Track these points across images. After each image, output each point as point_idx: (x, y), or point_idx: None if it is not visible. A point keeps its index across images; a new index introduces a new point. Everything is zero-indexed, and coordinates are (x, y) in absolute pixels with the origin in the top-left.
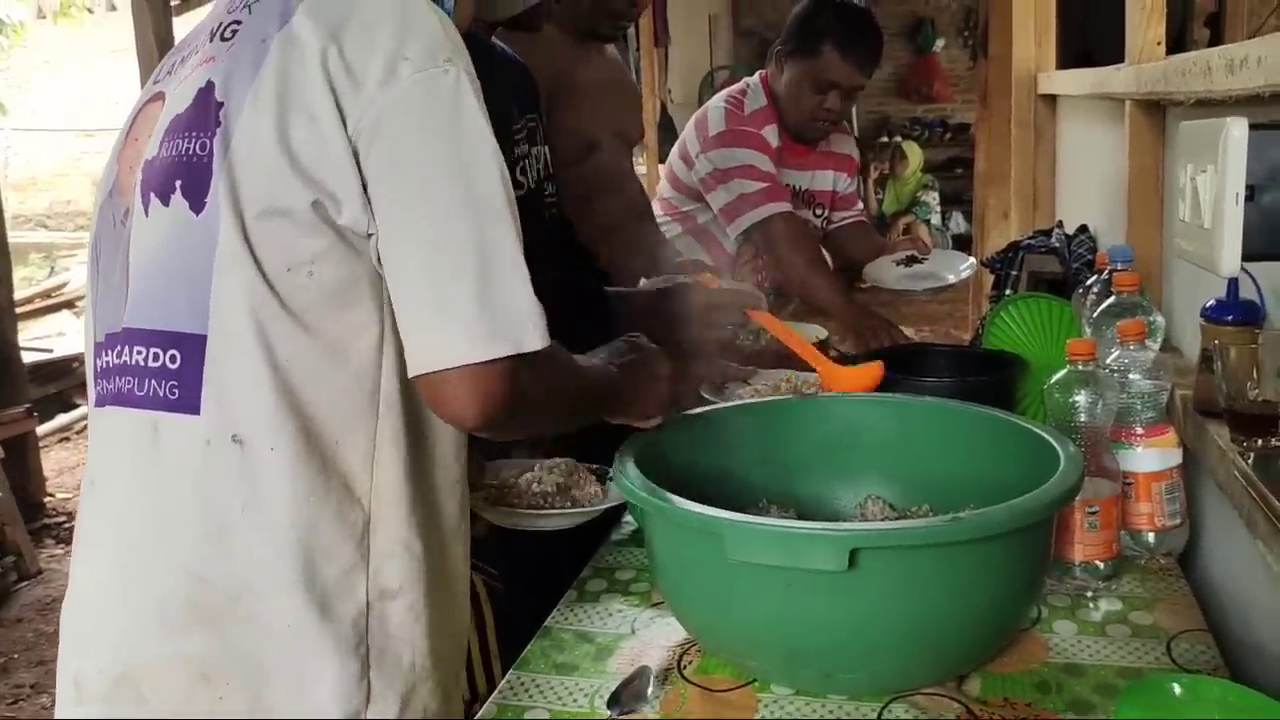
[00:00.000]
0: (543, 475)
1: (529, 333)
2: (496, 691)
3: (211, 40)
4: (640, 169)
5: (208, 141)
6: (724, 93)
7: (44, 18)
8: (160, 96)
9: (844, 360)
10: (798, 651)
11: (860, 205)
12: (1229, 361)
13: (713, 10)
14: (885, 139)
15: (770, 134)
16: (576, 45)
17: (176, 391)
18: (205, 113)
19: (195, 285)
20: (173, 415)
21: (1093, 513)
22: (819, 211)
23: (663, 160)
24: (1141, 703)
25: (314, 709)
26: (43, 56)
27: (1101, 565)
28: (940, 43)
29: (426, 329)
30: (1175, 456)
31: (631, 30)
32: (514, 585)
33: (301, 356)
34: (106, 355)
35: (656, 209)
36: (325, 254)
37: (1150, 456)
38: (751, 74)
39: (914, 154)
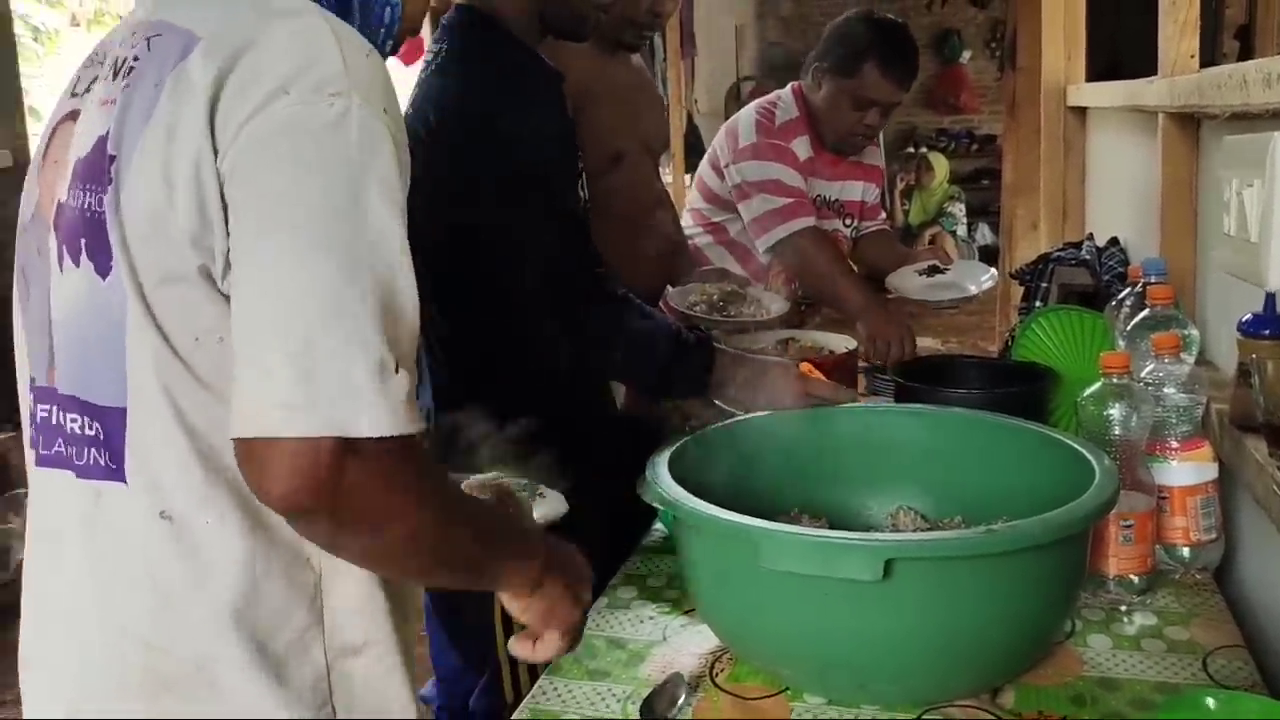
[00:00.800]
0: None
1: (358, 415)
2: (529, 697)
3: (115, 76)
4: (666, 178)
5: (102, 198)
6: (755, 103)
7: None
8: (75, 115)
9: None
10: (831, 661)
11: (884, 215)
12: (1267, 376)
13: (739, 21)
14: (911, 150)
15: (801, 146)
16: (599, 54)
17: (114, 464)
18: (100, 166)
19: (110, 358)
20: (113, 485)
21: (1127, 526)
22: (848, 222)
23: (689, 170)
24: (1179, 718)
25: None
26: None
27: (1136, 579)
28: (967, 54)
29: (240, 388)
30: (1211, 470)
31: (658, 40)
32: None
33: (221, 427)
34: (42, 409)
35: (687, 220)
36: (225, 324)
37: (1185, 470)
38: (778, 84)
39: (940, 165)
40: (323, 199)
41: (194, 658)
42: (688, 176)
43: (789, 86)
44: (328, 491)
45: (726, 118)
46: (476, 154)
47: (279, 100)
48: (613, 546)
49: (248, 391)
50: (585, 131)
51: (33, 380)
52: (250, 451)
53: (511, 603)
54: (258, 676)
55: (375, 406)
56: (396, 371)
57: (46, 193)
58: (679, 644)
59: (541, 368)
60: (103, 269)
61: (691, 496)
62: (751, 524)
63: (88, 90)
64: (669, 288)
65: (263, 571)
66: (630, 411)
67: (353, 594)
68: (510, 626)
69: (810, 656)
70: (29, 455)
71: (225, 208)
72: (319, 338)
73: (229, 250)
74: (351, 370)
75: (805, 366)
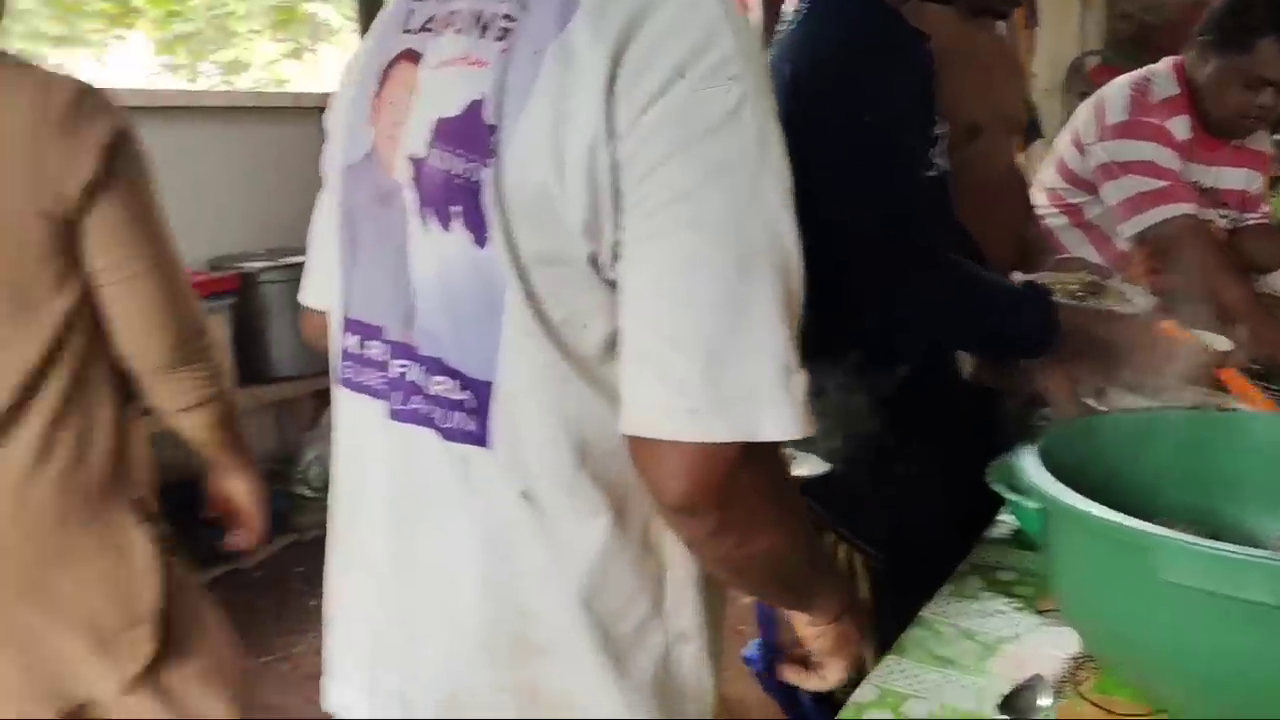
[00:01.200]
0: None
1: (762, 419)
2: (874, 674)
3: (483, 32)
4: None
5: (480, 169)
6: (1126, 78)
7: None
8: (413, 56)
9: (1259, 380)
10: (1223, 686)
11: (1266, 208)
12: None
13: None
14: None
15: (1178, 126)
16: (963, 20)
17: (481, 433)
18: (477, 134)
19: (483, 329)
20: (479, 451)
21: None
22: (1224, 212)
23: (1024, 148)
24: None
25: None
26: None
27: None
28: None
29: (637, 386)
30: None
31: None
32: (891, 568)
33: (590, 410)
34: (399, 365)
35: (1040, 199)
36: (601, 309)
37: None
38: (1127, 61)
39: None
40: (723, 195)
41: (550, 633)
42: (1020, 156)
43: (1165, 61)
44: (724, 494)
45: (1067, 94)
46: (831, 109)
47: (676, 85)
48: (949, 525)
49: (646, 391)
50: (942, 99)
51: (380, 329)
52: (648, 451)
53: (807, 628)
54: (602, 661)
55: (779, 409)
56: (797, 371)
57: (385, 139)
58: (1034, 643)
59: (880, 331)
60: (479, 239)
61: (1074, 493)
62: (1148, 530)
63: (425, 29)
64: (1016, 274)
65: (614, 560)
66: (979, 381)
67: (687, 584)
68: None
69: (1198, 678)
70: (338, 387)
71: (616, 195)
72: (724, 340)
73: (617, 241)
74: (758, 373)
75: (1167, 324)
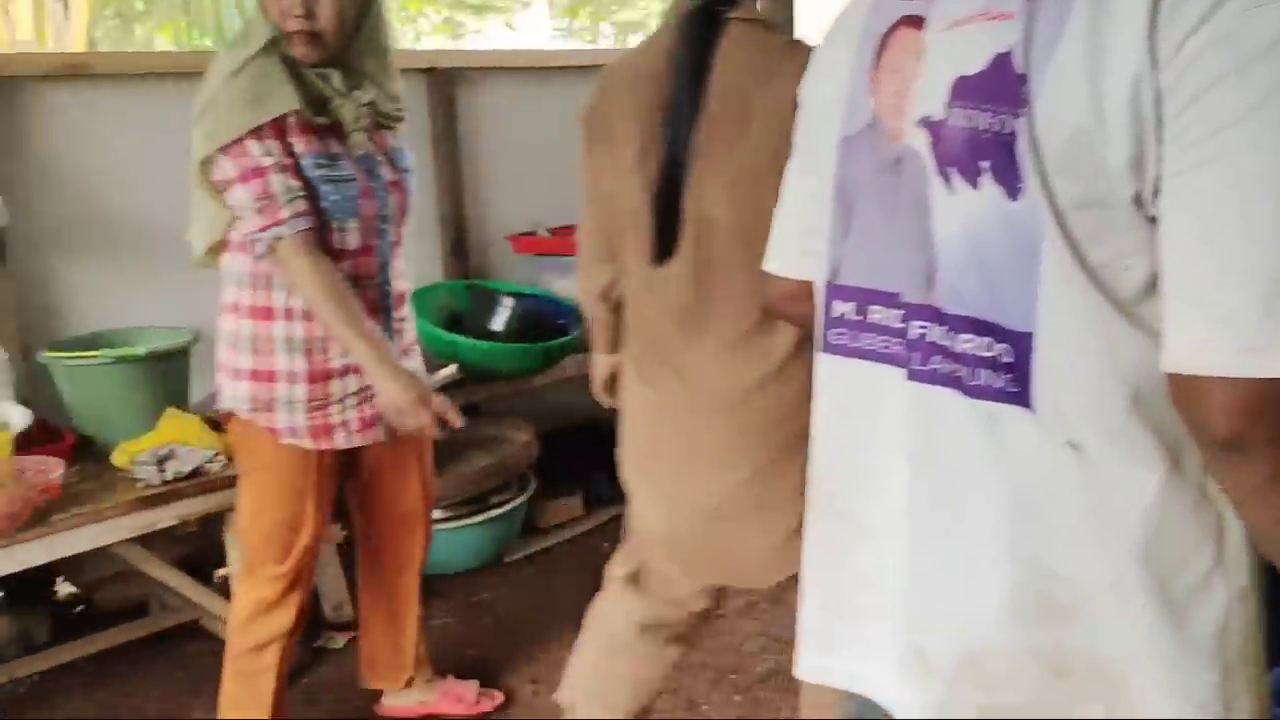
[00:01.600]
0: None
1: None
2: None
3: None
4: None
5: (1010, 120)
6: None
7: None
8: (917, 22)
9: None
10: None
11: None
12: None
13: None
14: None
15: None
16: None
17: (1012, 386)
18: (1006, 87)
19: (1019, 281)
20: (1011, 409)
21: None
22: None
23: None
24: None
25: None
26: None
27: None
28: None
29: (1185, 323)
30: None
31: None
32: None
33: (1138, 354)
34: (918, 325)
35: None
36: (1142, 247)
37: None
38: None
39: None
40: (1277, 122)
41: (1085, 591)
42: None
43: None
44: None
45: None
46: None
47: (1222, 9)
48: None
49: (1191, 326)
50: None
51: (892, 295)
52: (1192, 388)
53: None
54: (1158, 615)
55: None
56: None
57: (888, 107)
58: None
59: None
60: (1012, 192)
61: None
62: None
63: None
64: None
65: (1171, 510)
66: None
67: (1242, 534)
68: None
69: None
70: (824, 356)
71: (1159, 127)
72: None
73: (1158, 175)
74: None
75: None
